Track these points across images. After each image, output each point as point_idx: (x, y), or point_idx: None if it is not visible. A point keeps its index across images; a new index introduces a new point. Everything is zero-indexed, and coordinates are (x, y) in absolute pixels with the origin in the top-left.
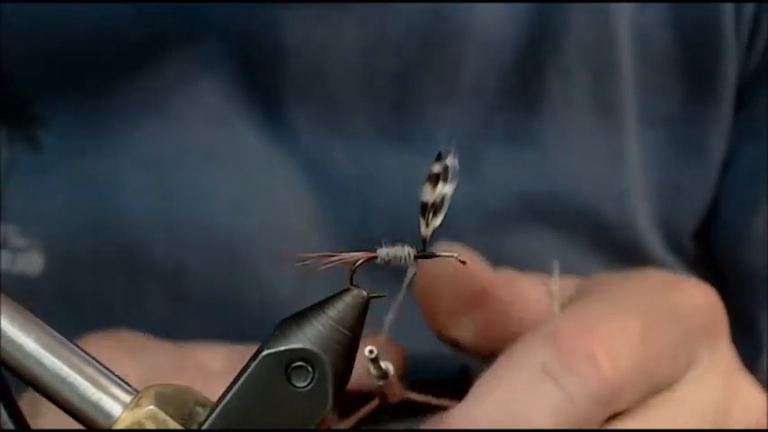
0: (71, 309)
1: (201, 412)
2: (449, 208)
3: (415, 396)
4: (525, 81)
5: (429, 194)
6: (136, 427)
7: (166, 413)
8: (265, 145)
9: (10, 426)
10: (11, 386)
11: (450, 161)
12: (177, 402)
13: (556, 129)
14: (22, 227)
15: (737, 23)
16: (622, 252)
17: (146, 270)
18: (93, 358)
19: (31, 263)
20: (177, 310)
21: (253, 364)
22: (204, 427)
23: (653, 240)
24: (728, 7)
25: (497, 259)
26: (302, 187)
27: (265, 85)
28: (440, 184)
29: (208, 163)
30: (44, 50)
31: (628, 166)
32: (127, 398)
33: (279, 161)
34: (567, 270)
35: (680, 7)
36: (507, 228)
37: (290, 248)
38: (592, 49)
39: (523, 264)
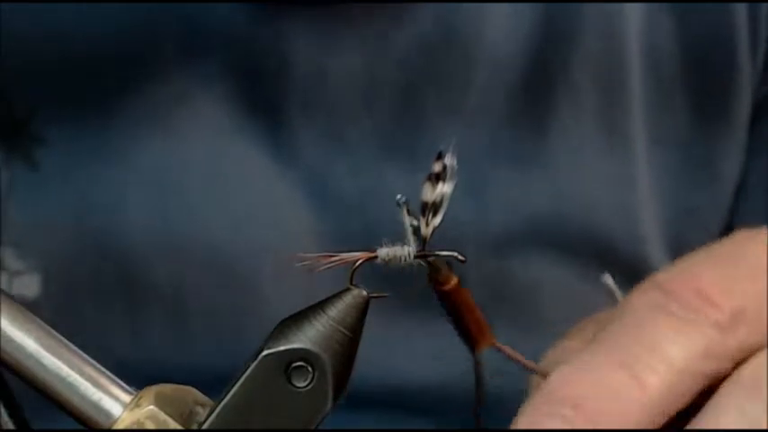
0: (69, 332)
1: (201, 412)
2: (453, 229)
3: (503, 347)
4: (532, 99)
5: (429, 194)
6: (136, 427)
7: (166, 413)
8: (267, 161)
9: (10, 426)
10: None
11: (450, 160)
12: (177, 402)
13: (564, 149)
14: (20, 248)
15: (752, 42)
16: (632, 276)
17: (146, 291)
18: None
19: (29, 285)
20: (178, 332)
21: (252, 365)
22: (204, 428)
23: (664, 264)
24: (742, 25)
25: (502, 282)
26: (304, 203)
27: (267, 100)
28: (439, 184)
29: (209, 180)
30: (42, 67)
31: (638, 188)
32: (127, 398)
33: (281, 177)
34: (572, 294)
35: (690, 25)
36: (513, 250)
37: (291, 265)
38: (600, 68)
39: (529, 287)
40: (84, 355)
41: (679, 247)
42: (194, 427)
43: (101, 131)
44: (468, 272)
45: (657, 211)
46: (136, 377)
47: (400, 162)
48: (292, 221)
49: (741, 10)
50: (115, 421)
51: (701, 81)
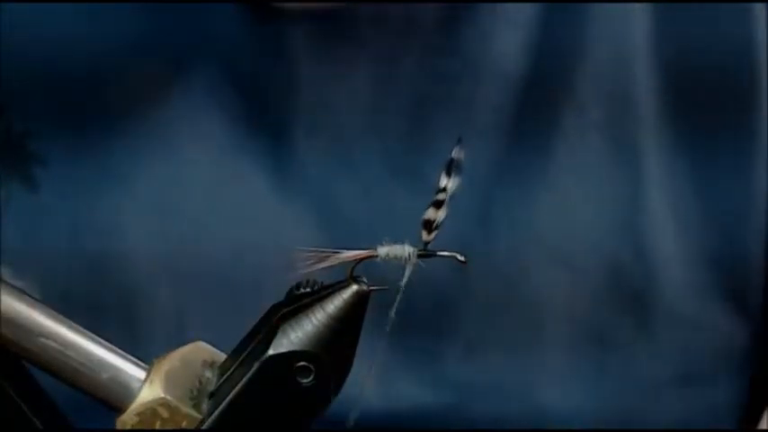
0: None
1: (210, 376)
2: (457, 248)
3: None
4: (537, 116)
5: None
6: (149, 414)
7: (175, 396)
8: (272, 181)
9: (38, 425)
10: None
11: (456, 153)
12: (186, 375)
13: (569, 165)
14: (17, 267)
15: None
16: (642, 297)
17: (146, 314)
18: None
19: None
20: None
21: (256, 365)
22: (204, 427)
23: (677, 280)
24: (762, 31)
25: (507, 300)
26: (309, 225)
27: (271, 120)
28: (443, 179)
29: (212, 202)
30: (42, 85)
31: (648, 203)
32: (139, 372)
33: (286, 198)
34: (581, 315)
35: (705, 32)
36: (519, 270)
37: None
38: (606, 81)
39: (534, 305)
40: (96, 337)
41: (708, 262)
42: (206, 395)
43: (100, 151)
44: (473, 289)
45: (674, 226)
46: None
47: (408, 182)
48: (297, 243)
49: (761, 16)
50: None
51: (717, 89)
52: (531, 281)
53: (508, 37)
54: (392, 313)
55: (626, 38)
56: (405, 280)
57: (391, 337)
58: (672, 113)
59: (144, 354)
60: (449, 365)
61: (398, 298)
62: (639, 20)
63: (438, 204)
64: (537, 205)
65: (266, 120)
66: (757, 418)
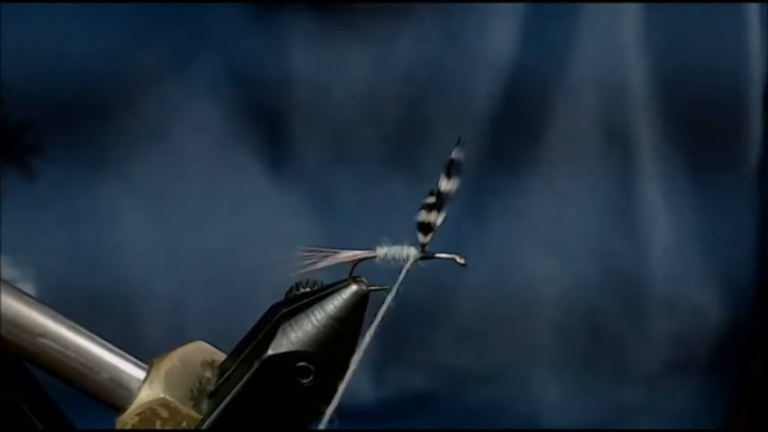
0: None
1: (210, 376)
2: (448, 236)
3: None
4: (529, 104)
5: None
6: (149, 414)
7: (175, 396)
8: (268, 173)
9: (39, 426)
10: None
11: (456, 153)
12: (186, 375)
13: (561, 151)
14: (15, 257)
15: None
16: (635, 286)
17: (142, 305)
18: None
19: None
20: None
21: (256, 364)
22: (204, 427)
23: (675, 272)
24: (754, 43)
25: (502, 293)
26: (306, 216)
27: (268, 112)
28: (443, 181)
29: (208, 194)
30: (40, 78)
31: (642, 194)
32: (139, 372)
33: (282, 189)
34: (575, 309)
35: (697, 31)
36: (513, 260)
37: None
38: (600, 70)
39: (530, 297)
40: (95, 336)
41: (704, 249)
42: (206, 396)
43: (97, 142)
44: (466, 278)
45: (667, 215)
46: None
47: (404, 173)
48: (293, 235)
49: (753, 15)
50: (134, 399)
51: (711, 83)
52: (523, 269)
53: (502, 27)
54: (380, 315)
55: (617, 29)
56: (398, 283)
57: (385, 326)
58: (666, 102)
59: (141, 345)
60: (442, 354)
61: (388, 298)
62: (632, 13)
63: (429, 207)
64: (530, 194)
65: (263, 111)
66: (746, 409)
